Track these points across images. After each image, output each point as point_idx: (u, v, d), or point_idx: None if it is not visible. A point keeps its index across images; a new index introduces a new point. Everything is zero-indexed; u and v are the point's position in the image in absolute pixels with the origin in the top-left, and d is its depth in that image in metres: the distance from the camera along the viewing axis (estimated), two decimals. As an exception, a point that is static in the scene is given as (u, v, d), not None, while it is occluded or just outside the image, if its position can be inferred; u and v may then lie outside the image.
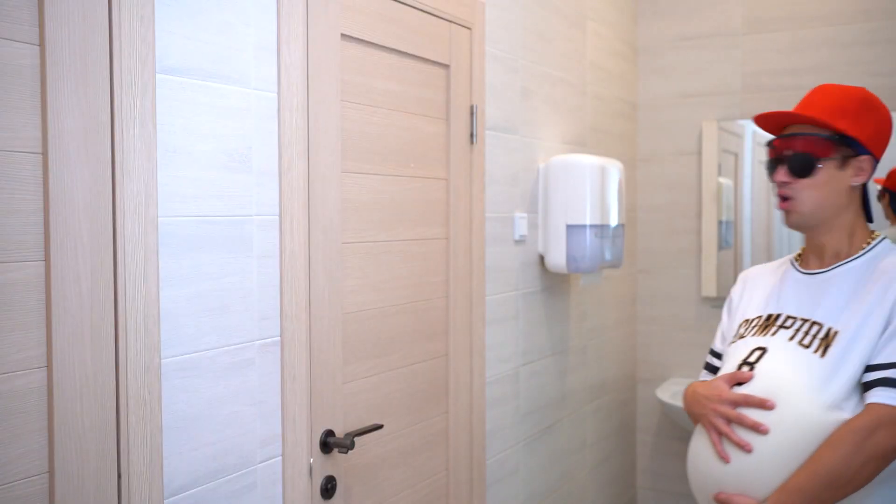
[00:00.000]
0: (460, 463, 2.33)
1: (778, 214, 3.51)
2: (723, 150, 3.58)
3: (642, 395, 3.79)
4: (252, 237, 1.60)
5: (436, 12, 2.15)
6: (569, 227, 2.68)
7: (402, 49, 2.04)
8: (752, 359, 1.65)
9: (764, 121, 1.73)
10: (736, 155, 3.58)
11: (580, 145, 3.10)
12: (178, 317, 1.45)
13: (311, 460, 1.75)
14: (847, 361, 1.54)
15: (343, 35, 1.85)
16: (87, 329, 1.27)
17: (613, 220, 2.80)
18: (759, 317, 1.73)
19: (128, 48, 1.32)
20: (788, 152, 1.66)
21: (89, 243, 1.27)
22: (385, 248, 2.02)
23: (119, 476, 1.33)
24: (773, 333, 1.66)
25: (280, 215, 1.66)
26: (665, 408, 3.37)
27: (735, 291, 1.88)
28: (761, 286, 1.80)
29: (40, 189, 1.22)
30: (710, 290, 3.59)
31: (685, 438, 3.67)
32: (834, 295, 1.64)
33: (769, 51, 3.45)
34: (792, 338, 1.62)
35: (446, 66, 2.23)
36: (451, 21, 2.23)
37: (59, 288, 1.23)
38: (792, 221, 1.69)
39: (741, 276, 1.90)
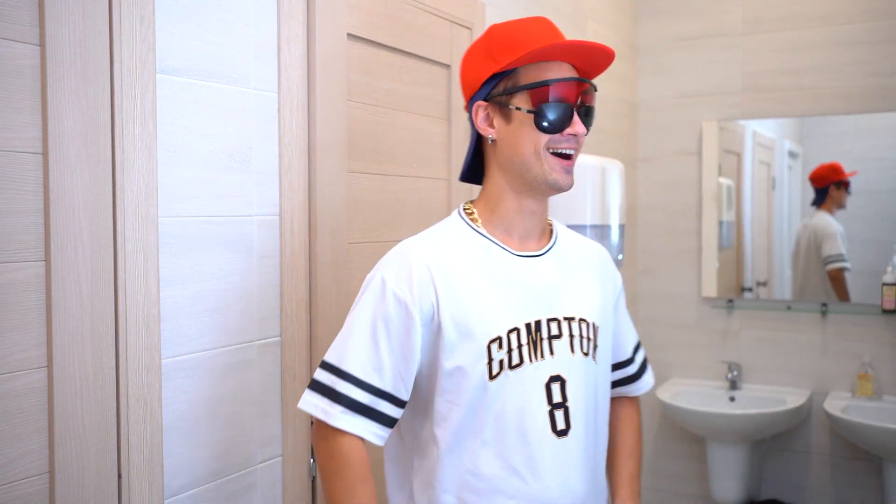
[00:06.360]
0: (460, 463, 2.32)
1: (778, 213, 3.51)
2: (723, 150, 3.58)
3: (642, 395, 3.78)
4: (252, 237, 1.60)
5: (437, 12, 2.15)
6: (569, 227, 2.68)
7: (405, 48, 2.04)
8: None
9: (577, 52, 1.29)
10: (737, 155, 3.58)
11: (580, 145, 3.10)
12: (178, 317, 1.44)
13: (312, 461, 1.75)
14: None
15: (349, 34, 1.84)
16: (88, 329, 1.27)
17: (613, 221, 2.80)
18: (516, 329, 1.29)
19: (128, 48, 1.32)
20: (589, 104, 1.34)
21: (89, 243, 1.27)
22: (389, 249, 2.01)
23: (119, 476, 1.33)
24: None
25: (280, 215, 1.66)
26: (665, 408, 3.37)
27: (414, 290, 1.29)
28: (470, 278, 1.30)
29: (40, 189, 1.22)
30: (710, 290, 3.59)
31: (686, 438, 3.66)
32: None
33: (769, 51, 3.45)
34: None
35: (447, 66, 2.22)
36: (451, 21, 2.23)
37: (60, 288, 1.23)
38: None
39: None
